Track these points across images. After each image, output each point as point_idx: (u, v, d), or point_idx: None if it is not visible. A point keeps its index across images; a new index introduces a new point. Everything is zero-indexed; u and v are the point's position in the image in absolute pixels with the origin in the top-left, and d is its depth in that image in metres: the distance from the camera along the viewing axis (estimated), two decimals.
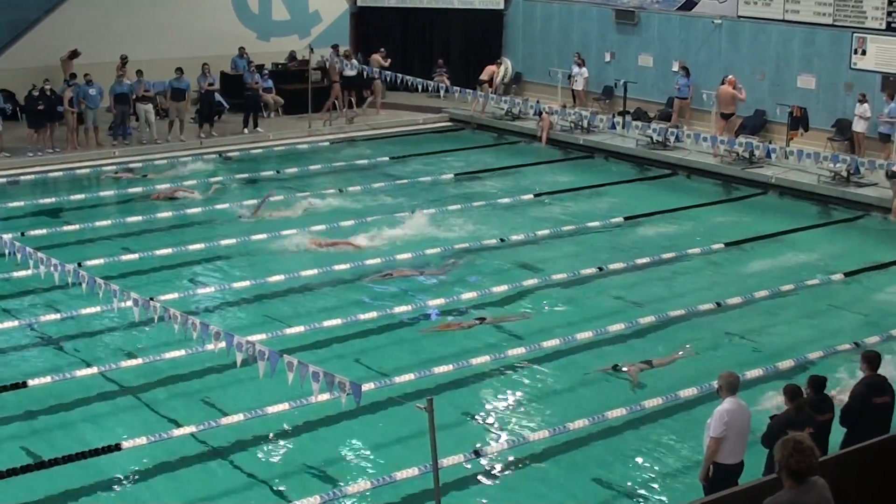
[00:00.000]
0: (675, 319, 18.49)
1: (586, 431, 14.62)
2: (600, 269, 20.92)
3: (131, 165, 28.31)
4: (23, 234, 21.35)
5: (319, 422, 14.73)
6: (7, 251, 16.69)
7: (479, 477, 13.57)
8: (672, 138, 28.87)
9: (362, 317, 18.16)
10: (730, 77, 29.27)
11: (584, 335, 17.55)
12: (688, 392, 15.58)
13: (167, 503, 13.02)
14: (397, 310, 18.52)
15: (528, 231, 23.36)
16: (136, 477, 13.52)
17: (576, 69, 33.78)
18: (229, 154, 29.92)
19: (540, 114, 31.15)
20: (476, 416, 15.20)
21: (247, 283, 19.61)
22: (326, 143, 31.48)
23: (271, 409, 14.71)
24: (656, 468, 13.94)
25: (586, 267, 20.93)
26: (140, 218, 23.66)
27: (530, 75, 36.68)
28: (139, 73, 29.91)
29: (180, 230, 23.12)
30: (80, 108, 28.87)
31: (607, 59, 34.56)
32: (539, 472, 13.82)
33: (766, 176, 27.30)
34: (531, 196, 26.27)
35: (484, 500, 13.12)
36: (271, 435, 14.51)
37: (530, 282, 20.20)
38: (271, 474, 13.63)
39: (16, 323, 17.89)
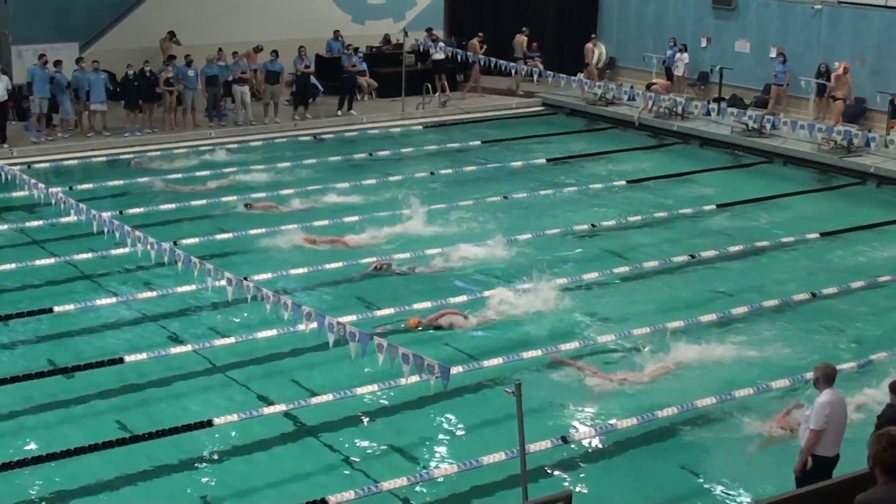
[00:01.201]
0: (768, 309, 18.29)
1: (675, 419, 14.54)
2: (692, 256, 20.76)
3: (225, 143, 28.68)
4: (121, 212, 21.72)
5: (407, 404, 14.83)
6: (106, 229, 17.02)
7: (567, 463, 13.56)
8: (768, 125, 28.52)
9: (452, 300, 18.22)
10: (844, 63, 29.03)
11: (675, 324, 17.44)
12: (779, 383, 15.43)
13: (257, 480, 13.19)
14: (486, 293, 18.53)
15: (620, 217, 23.26)
16: (228, 453, 13.74)
17: (677, 54, 33.49)
18: (323, 136, 30.17)
19: (649, 86, 31.24)
20: (564, 402, 15.17)
21: (339, 265, 19.75)
22: (419, 127, 31.59)
23: (360, 390, 14.85)
24: (746, 458, 13.81)
25: (678, 254, 20.79)
26: (233, 198, 23.94)
27: (624, 60, 36.45)
28: (235, 54, 30.29)
29: (272, 208, 23.36)
30: (178, 89, 29.30)
31: (703, 44, 34.22)
32: (626, 459, 13.77)
33: (864, 165, 26.85)
34: (623, 182, 26.13)
35: (571, 486, 13.12)
36: (360, 415, 14.64)
37: (621, 269, 20.11)
38: (359, 454, 13.76)
39: (113, 300, 18.24)
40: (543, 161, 28.00)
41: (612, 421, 14.36)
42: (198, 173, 26.17)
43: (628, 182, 26.16)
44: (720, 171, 27.71)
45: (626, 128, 31.73)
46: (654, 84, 32.25)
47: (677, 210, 23.81)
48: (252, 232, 21.43)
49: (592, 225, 22.72)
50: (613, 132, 31.75)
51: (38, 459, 13.15)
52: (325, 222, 22.12)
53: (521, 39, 35.39)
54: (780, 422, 14.10)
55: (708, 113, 29.60)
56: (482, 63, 32.70)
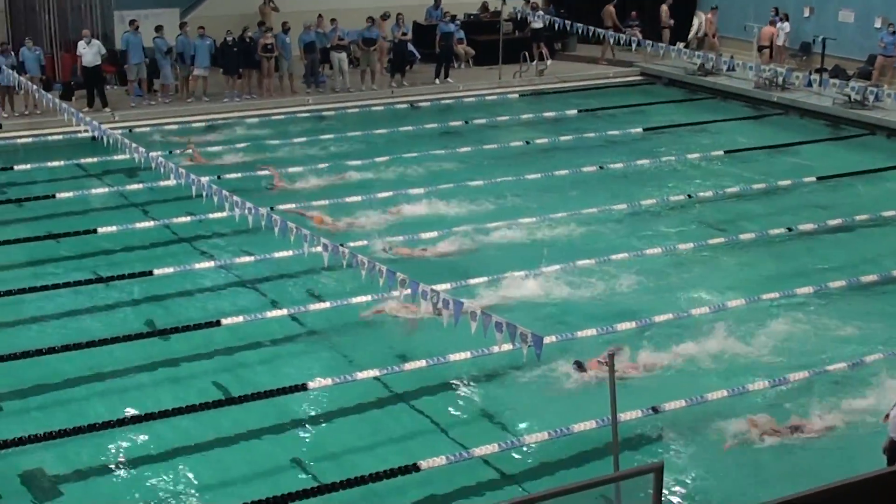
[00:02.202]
0: (867, 284, 18.00)
1: (767, 393, 14.40)
2: (789, 229, 20.48)
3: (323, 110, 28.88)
4: (219, 177, 21.99)
5: (500, 372, 14.85)
6: (204, 193, 17.26)
7: (657, 433, 13.51)
8: (871, 97, 27.95)
9: (545, 269, 18.20)
10: None
11: (769, 295, 17.24)
12: (873, 356, 15.21)
13: (349, 444, 13.34)
14: (580, 263, 18.48)
15: (717, 188, 23.01)
16: (321, 416, 13.90)
17: (778, 23, 32.95)
18: (419, 104, 30.24)
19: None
20: (655, 372, 15.08)
21: (433, 234, 19.82)
22: (515, 96, 31.50)
23: (453, 357, 14.91)
24: (842, 430, 13.62)
25: (775, 227, 20.52)
26: (329, 164, 24.10)
27: (725, 30, 35.92)
28: (333, 21, 30.43)
29: (369, 179, 23.48)
30: (276, 56, 29.53)
31: (806, 14, 33.60)
32: (717, 431, 13.64)
33: None
34: (721, 153, 25.83)
35: (662, 455, 13.06)
36: (452, 382, 14.71)
37: (716, 241, 19.92)
38: (450, 421, 13.84)
39: (211, 264, 18.51)
40: (640, 131, 27.78)
41: (704, 393, 14.23)
42: (295, 140, 26.38)
43: (726, 153, 25.85)
44: (820, 143, 27.26)
45: (726, 98, 31.33)
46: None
47: (776, 182, 23.48)
48: (348, 199, 21.56)
49: (689, 196, 22.52)
50: (712, 102, 31.36)
51: (135, 419, 13.43)
52: (421, 190, 22.18)
53: (610, 10, 35.05)
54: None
55: (809, 84, 29.08)
56: (578, 31, 32.47)
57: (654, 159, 25.04)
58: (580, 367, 14.58)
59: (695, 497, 12.22)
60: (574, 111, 29.63)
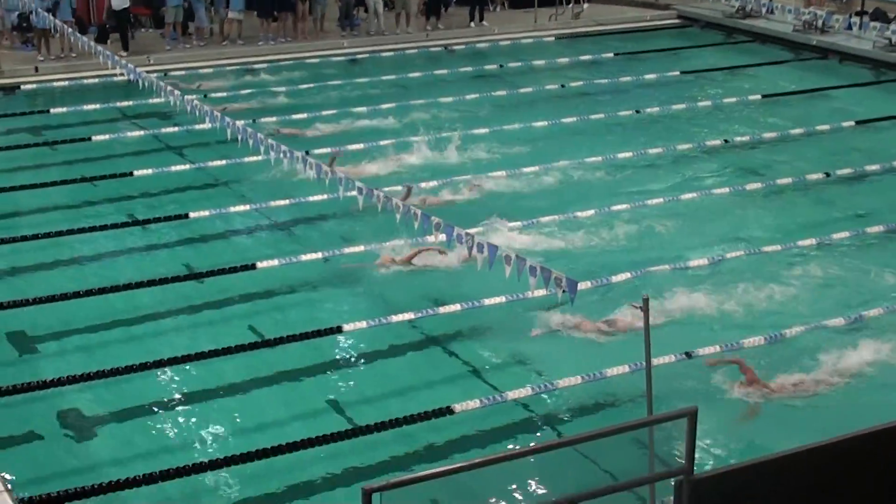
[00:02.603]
0: None
1: (802, 337, 14.33)
2: (827, 174, 20.32)
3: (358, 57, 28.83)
4: (254, 120, 22.01)
5: (533, 317, 14.86)
6: (239, 137, 17.28)
7: (690, 378, 13.49)
8: None
9: (579, 215, 18.16)
10: None
11: (805, 242, 17.14)
12: None
13: (384, 387, 13.41)
14: (615, 208, 18.43)
15: (753, 133, 22.84)
16: (355, 359, 13.98)
17: None
18: (453, 47, 30.09)
19: None
20: (689, 317, 15.05)
21: (467, 177, 19.80)
22: (551, 39, 31.28)
23: (488, 301, 14.94)
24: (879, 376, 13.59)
25: (812, 172, 20.36)
26: (364, 109, 24.07)
27: None
28: None
29: (403, 123, 23.44)
30: None
31: None
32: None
33: None
34: (759, 97, 25.60)
35: (695, 401, 13.03)
36: (485, 326, 14.72)
37: (753, 185, 19.79)
38: (484, 364, 13.87)
39: (246, 207, 18.57)
40: (677, 74, 27.56)
41: (739, 339, 14.19)
42: (329, 83, 26.34)
43: (764, 97, 25.62)
44: (860, 88, 26.97)
45: (764, 42, 30.98)
46: None
47: (814, 126, 23.27)
48: (382, 143, 21.54)
49: (725, 140, 22.36)
50: (750, 46, 31.03)
51: (171, 361, 13.53)
52: (455, 133, 22.14)
53: None
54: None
55: (849, 27, 28.71)
56: None
57: (690, 103, 24.86)
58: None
59: (728, 444, 12.21)
60: (610, 54, 29.42)
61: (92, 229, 17.47)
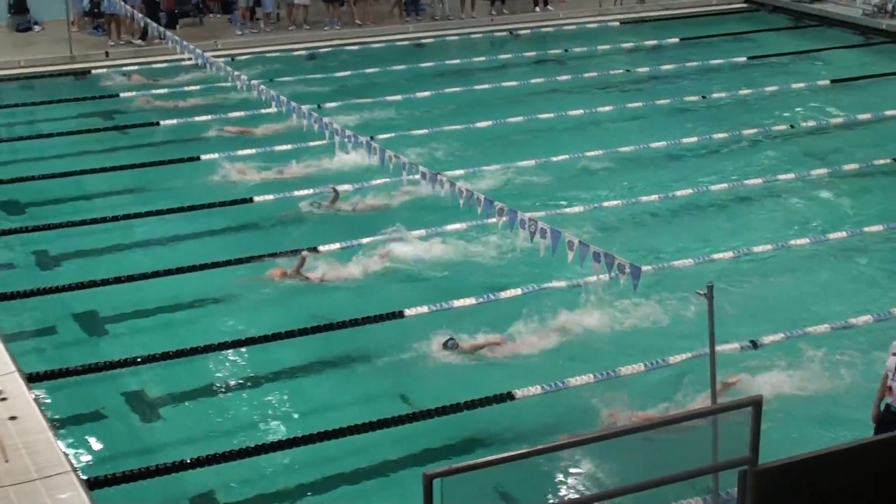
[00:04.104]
0: None
1: (871, 327, 14.15)
2: (895, 160, 20.04)
3: (422, 39, 28.84)
4: (319, 106, 22.11)
5: (596, 302, 14.81)
6: (305, 122, 17.37)
7: (756, 367, 13.38)
8: None
9: (643, 199, 18.08)
10: None
11: (873, 228, 16.93)
12: None
13: (446, 370, 13.42)
14: (678, 193, 18.33)
15: (821, 118, 22.58)
16: (416, 344, 13.90)
17: None
18: (519, 32, 30.02)
19: None
20: (754, 305, 14.93)
21: (531, 163, 19.78)
22: (616, 24, 31.11)
23: (548, 285, 14.92)
24: None
25: (880, 158, 20.08)
26: (428, 93, 24.12)
27: None
28: None
29: (468, 107, 23.45)
30: None
31: None
32: (815, 362, 13.43)
33: None
34: (827, 82, 25.27)
35: (762, 389, 12.95)
36: (548, 312, 14.68)
37: (819, 171, 19.57)
38: (545, 350, 13.83)
39: (310, 191, 18.63)
40: (744, 59, 27.27)
41: (804, 326, 14.06)
42: (394, 67, 26.39)
43: (832, 82, 25.29)
44: None
45: (832, 26, 30.57)
46: None
47: (882, 112, 22.93)
48: (447, 129, 21.57)
49: (791, 126, 22.12)
50: (818, 30, 30.60)
51: (235, 344, 13.72)
52: (520, 119, 22.14)
53: None
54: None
55: None
56: None
57: (757, 88, 24.59)
58: (450, 346, 13.70)
59: (792, 434, 12.11)
60: (676, 39, 29.18)
61: (159, 212, 17.68)
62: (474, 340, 13.71)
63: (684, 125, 22.10)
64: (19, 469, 9.90)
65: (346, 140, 16.45)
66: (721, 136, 21.33)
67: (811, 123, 22.33)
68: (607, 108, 22.98)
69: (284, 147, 20.44)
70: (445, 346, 13.55)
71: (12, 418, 10.74)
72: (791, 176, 19.31)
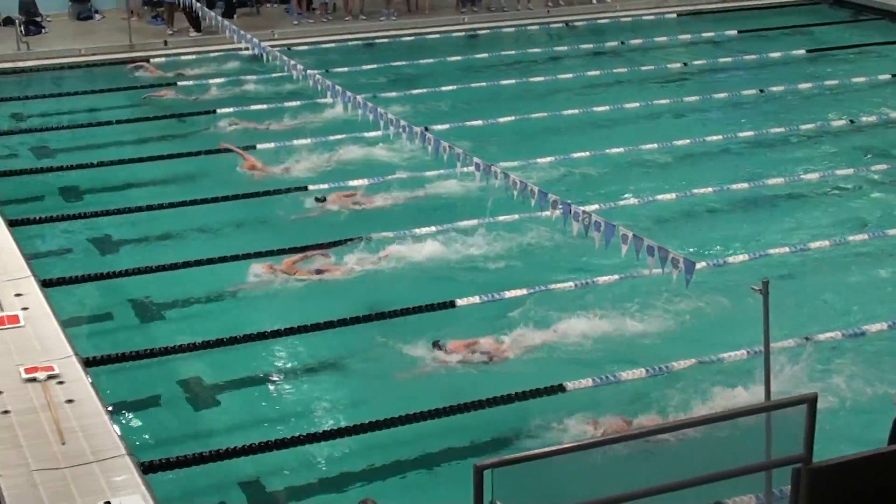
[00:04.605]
0: None
1: None
2: None
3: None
4: (375, 95, 22.16)
5: (648, 295, 14.76)
6: (360, 112, 17.42)
7: (809, 363, 13.27)
8: None
9: (697, 191, 17.99)
10: None
11: None
12: None
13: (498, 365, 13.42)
14: (734, 187, 18.21)
15: (881, 114, 22.32)
16: (468, 334, 13.90)
17: None
18: (575, 23, 29.91)
19: None
20: (810, 301, 14.81)
21: (586, 155, 19.74)
22: (673, 16, 30.91)
23: (601, 279, 14.89)
24: None
25: None
26: (483, 84, 24.12)
27: None
28: None
29: (523, 99, 23.42)
30: None
31: None
32: (870, 360, 13.31)
33: None
34: (888, 76, 24.96)
35: (814, 386, 12.86)
36: (600, 305, 14.64)
37: (878, 167, 19.36)
38: (597, 343, 13.78)
39: (364, 181, 18.68)
40: (803, 52, 27.01)
41: (861, 324, 13.92)
42: (449, 58, 26.41)
43: (893, 76, 24.96)
44: None
45: (895, 20, 30.20)
46: None
47: None
48: (501, 120, 21.56)
49: (851, 121, 21.90)
50: (880, 23, 30.21)
51: (288, 332, 13.74)
52: (575, 111, 22.09)
53: None
54: None
55: None
56: None
57: (816, 83, 24.35)
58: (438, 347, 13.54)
59: (846, 433, 12.00)
60: (734, 32, 28.94)
61: (215, 200, 17.81)
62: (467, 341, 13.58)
63: (741, 119, 21.94)
64: (75, 451, 10.03)
65: (400, 130, 16.48)
66: (778, 130, 21.16)
67: (871, 119, 22.07)
68: (663, 101, 22.88)
69: (339, 136, 20.51)
70: (435, 346, 13.44)
71: (69, 401, 10.89)
72: (849, 171, 19.11)
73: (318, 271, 15.52)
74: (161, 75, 24.50)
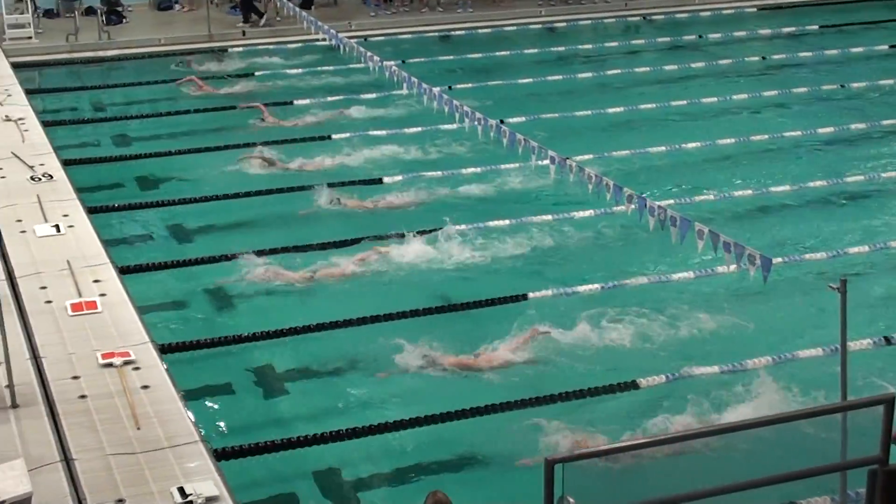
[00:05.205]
0: None
1: None
2: None
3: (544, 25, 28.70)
4: (450, 87, 22.17)
5: (723, 293, 14.62)
6: (436, 104, 17.44)
7: (889, 363, 13.07)
8: None
9: (774, 189, 17.78)
10: None
11: None
12: None
13: (568, 355, 13.35)
14: (812, 184, 17.98)
15: None
16: (540, 326, 13.85)
17: None
18: (653, 17, 29.70)
19: None
20: (890, 301, 14.56)
21: (662, 149, 19.60)
22: (753, 9, 30.59)
23: (675, 276, 14.78)
24: None
25: None
26: (559, 77, 24.03)
27: None
28: None
29: (599, 92, 23.31)
30: None
31: None
32: None
33: None
34: None
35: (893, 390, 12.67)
36: (674, 301, 14.52)
37: None
38: (669, 341, 13.67)
39: (438, 173, 18.71)
40: (885, 48, 26.57)
41: None
42: (525, 50, 26.33)
43: None
44: None
45: None
46: None
47: None
48: (577, 114, 21.47)
49: None
50: None
51: (361, 321, 13.78)
52: (652, 105, 21.94)
53: None
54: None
55: None
56: None
57: None
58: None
59: None
60: (815, 27, 28.58)
61: (291, 189, 17.91)
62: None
63: (821, 115, 21.65)
64: (150, 437, 10.14)
65: (475, 123, 16.47)
66: (859, 126, 20.85)
67: None
68: (742, 96, 22.66)
69: (414, 129, 20.55)
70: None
71: (144, 387, 11.00)
72: None
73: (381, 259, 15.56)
74: (210, 91, 23.91)
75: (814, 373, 12.67)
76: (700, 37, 27.66)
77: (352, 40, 21.32)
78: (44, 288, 13.06)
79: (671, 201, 16.31)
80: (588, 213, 16.64)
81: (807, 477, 7.37)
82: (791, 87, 23.18)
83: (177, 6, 29.89)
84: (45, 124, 19.61)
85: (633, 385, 12.36)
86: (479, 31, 28.10)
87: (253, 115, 21.78)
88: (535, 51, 26.40)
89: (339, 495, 11.06)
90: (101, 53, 26.28)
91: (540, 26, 28.80)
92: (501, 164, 18.42)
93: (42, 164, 17.15)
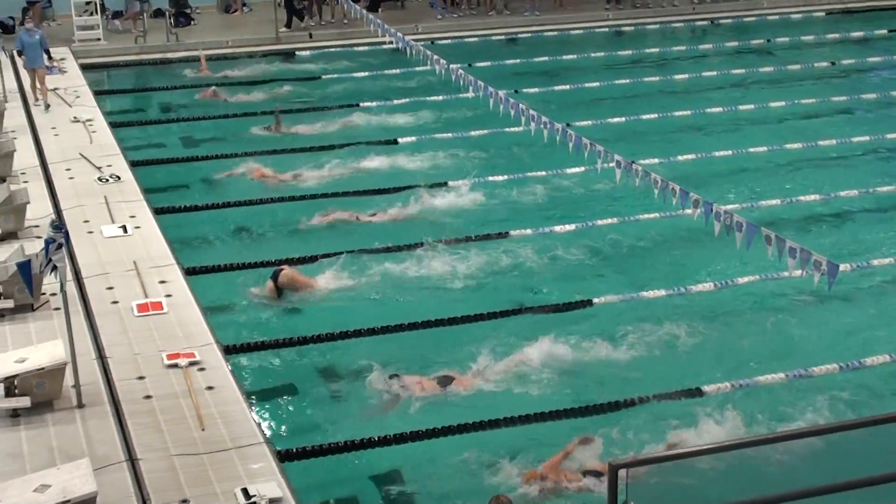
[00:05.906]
0: None
1: None
2: None
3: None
4: (516, 91, 22.15)
5: (788, 298, 14.46)
6: (501, 107, 17.42)
7: None
8: None
9: (843, 194, 17.59)
10: None
11: None
12: None
13: (633, 361, 13.27)
14: (881, 190, 17.76)
15: None
16: (605, 332, 13.78)
17: None
18: (720, 21, 29.52)
19: None
20: None
21: (728, 153, 19.46)
22: (822, 14, 30.27)
23: (741, 280, 14.66)
24: None
25: None
26: (627, 81, 23.93)
27: None
28: None
29: (665, 96, 23.18)
30: None
31: None
32: None
33: None
34: None
35: None
36: (739, 306, 14.37)
37: None
38: (735, 346, 13.55)
39: (504, 177, 18.67)
40: None
41: None
42: (592, 54, 26.26)
43: None
44: None
45: None
46: None
47: None
48: (643, 117, 21.38)
49: None
50: None
51: (426, 324, 13.79)
52: (719, 109, 21.80)
53: None
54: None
55: None
56: None
57: None
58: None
59: None
60: (884, 31, 28.21)
61: (356, 193, 17.93)
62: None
63: (890, 121, 21.36)
64: (214, 438, 10.23)
65: (541, 126, 16.44)
66: (893, 135, 20.56)
67: None
68: (809, 101, 22.43)
69: (480, 132, 20.55)
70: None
71: (209, 388, 11.10)
72: None
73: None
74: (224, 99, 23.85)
75: (882, 379, 12.53)
76: (768, 41, 27.42)
77: (418, 43, 21.38)
78: (110, 288, 13.22)
79: (737, 206, 16.17)
80: (655, 215, 16.51)
81: (873, 484, 7.25)
82: (860, 93, 22.94)
83: (245, 8, 30.08)
84: (113, 125, 19.86)
85: (699, 392, 12.25)
86: (546, 34, 28.06)
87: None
88: (602, 54, 26.32)
89: (401, 498, 11.06)
90: (169, 55, 26.54)
91: (607, 30, 28.71)
92: (567, 167, 18.33)
93: (110, 165, 17.38)
